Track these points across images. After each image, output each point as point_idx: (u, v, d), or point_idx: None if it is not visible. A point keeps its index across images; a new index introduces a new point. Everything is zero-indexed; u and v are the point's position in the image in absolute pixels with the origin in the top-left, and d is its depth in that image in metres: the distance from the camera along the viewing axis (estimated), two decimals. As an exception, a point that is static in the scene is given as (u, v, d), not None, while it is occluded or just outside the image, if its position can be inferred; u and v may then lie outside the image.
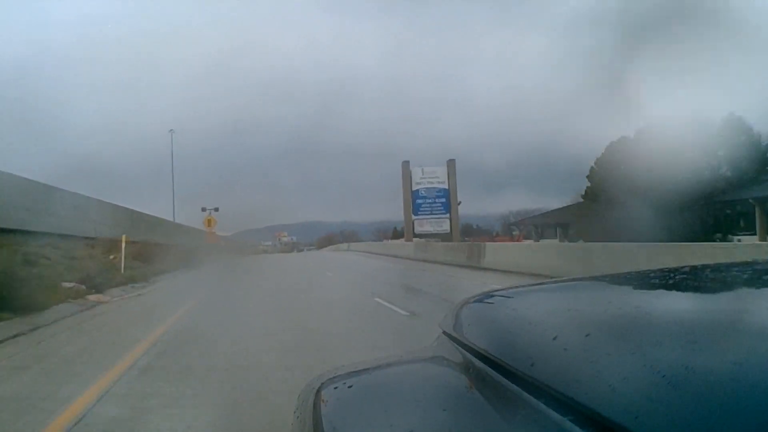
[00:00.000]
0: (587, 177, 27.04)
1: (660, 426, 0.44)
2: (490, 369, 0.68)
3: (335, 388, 0.80)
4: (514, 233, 49.06)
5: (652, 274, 0.95)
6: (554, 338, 0.64)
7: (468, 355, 0.76)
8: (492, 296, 0.95)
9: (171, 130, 37.29)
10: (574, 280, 1.12)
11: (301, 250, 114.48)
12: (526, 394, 0.58)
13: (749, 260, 0.98)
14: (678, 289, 0.84)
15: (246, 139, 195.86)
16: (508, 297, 0.95)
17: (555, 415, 0.52)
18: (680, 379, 0.47)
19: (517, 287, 1.02)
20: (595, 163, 26.64)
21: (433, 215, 39.52)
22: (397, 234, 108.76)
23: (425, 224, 39.33)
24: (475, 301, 0.95)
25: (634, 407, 0.46)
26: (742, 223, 21.08)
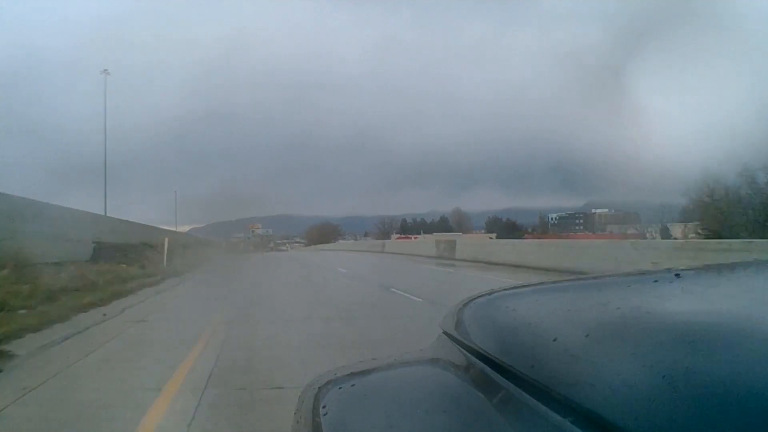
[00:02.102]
0: None
1: (660, 427, 0.44)
2: (490, 370, 0.68)
3: (335, 389, 0.80)
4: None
5: (652, 275, 0.93)
6: (554, 339, 0.64)
7: (468, 355, 0.76)
8: (492, 296, 0.94)
9: (104, 70, 27.25)
10: (575, 280, 1.14)
11: (281, 245, 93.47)
12: (526, 395, 0.58)
13: (750, 260, 0.95)
14: (679, 290, 0.82)
15: (219, 129, 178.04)
16: (509, 297, 0.94)
17: (556, 417, 0.52)
18: (680, 380, 0.47)
19: (517, 287, 1.00)
20: None
21: None
22: (406, 227, 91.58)
23: None
24: (475, 302, 0.93)
25: (635, 408, 0.46)
26: None
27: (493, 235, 56.41)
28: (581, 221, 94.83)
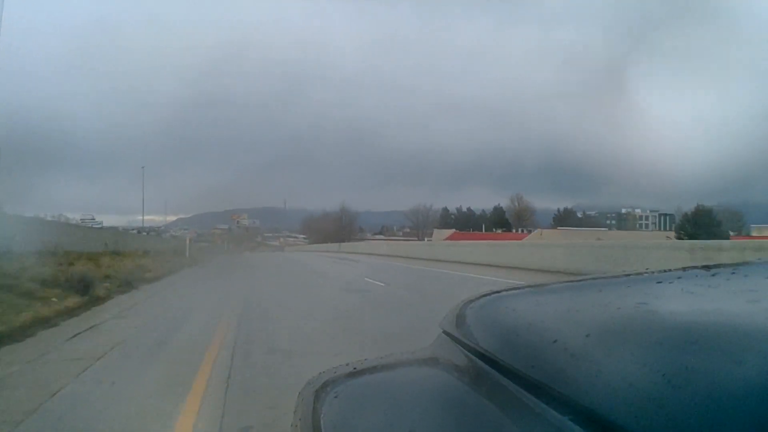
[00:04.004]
0: None
1: (660, 426, 0.44)
2: (490, 369, 0.68)
3: (335, 388, 0.80)
4: None
5: (653, 275, 0.93)
6: (555, 338, 0.64)
7: (469, 355, 0.76)
8: (493, 296, 0.95)
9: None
10: (576, 280, 1.14)
11: (270, 239, 75.85)
12: (527, 394, 0.58)
13: (751, 260, 0.97)
14: (679, 289, 0.82)
15: (209, 119, 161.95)
16: (510, 297, 0.95)
17: (556, 416, 0.52)
18: (681, 380, 0.47)
19: (518, 287, 1.02)
20: None
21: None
22: (448, 220, 75.59)
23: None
24: (476, 301, 0.94)
25: (635, 407, 0.46)
26: None
27: (671, 234, 41.53)
28: (614, 221, 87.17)
